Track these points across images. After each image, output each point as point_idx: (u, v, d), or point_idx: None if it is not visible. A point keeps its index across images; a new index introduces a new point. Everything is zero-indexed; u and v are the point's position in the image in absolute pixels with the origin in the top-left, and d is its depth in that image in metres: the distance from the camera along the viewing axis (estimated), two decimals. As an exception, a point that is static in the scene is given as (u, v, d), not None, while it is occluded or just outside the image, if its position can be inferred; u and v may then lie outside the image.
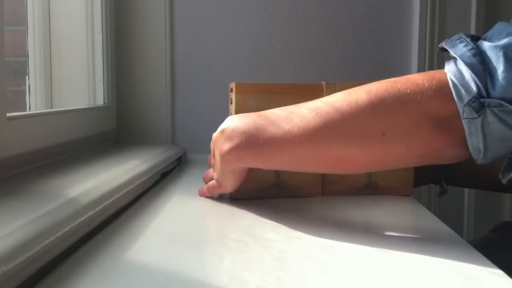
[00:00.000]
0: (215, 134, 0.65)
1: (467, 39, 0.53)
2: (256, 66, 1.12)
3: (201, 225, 0.60)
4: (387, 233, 0.57)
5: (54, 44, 1.00)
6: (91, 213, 0.53)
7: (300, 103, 0.60)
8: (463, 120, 0.49)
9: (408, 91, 0.51)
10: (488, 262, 0.48)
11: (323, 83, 0.76)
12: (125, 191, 0.65)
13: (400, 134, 0.52)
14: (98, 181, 0.63)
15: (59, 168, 0.72)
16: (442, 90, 0.50)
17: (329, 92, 0.74)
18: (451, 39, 0.55)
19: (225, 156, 0.62)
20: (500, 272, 0.45)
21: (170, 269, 0.45)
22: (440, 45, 0.57)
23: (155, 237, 0.55)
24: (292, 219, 0.62)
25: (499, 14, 1.15)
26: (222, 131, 0.63)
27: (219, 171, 0.66)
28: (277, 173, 0.72)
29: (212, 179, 0.70)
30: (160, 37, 1.10)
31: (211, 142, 0.67)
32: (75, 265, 0.45)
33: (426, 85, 0.51)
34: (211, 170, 0.72)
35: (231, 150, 0.61)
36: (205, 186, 0.72)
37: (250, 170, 0.71)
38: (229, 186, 0.67)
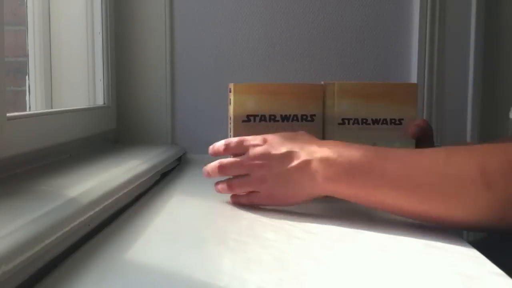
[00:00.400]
0: (280, 140, 0.63)
1: None
2: (256, 66, 1.12)
3: (201, 225, 0.60)
4: (387, 233, 0.56)
5: (54, 44, 1.00)
6: (91, 213, 0.53)
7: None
8: None
9: None
10: (488, 262, 0.48)
11: (323, 83, 0.77)
12: (125, 191, 0.65)
13: None
14: (98, 181, 0.63)
15: (59, 168, 0.72)
16: None
17: (331, 92, 0.75)
18: None
19: (316, 182, 0.60)
20: (500, 272, 0.45)
21: (170, 269, 0.45)
22: None
23: (155, 237, 0.55)
24: (292, 219, 0.62)
25: (499, 14, 1.15)
26: (324, 159, 0.60)
27: (282, 187, 0.62)
28: None
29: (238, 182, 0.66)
30: (160, 37, 1.10)
31: (263, 140, 0.64)
32: (75, 265, 0.45)
33: None
34: (247, 178, 0.65)
35: (327, 181, 0.59)
36: (243, 198, 0.67)
37: None
38: (288, 203, 0.65)
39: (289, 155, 0.62)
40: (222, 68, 1.12)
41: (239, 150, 0.66)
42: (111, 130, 1.07)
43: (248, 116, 0.72)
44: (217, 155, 0.69)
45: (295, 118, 0.73)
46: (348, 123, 0.75)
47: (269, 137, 0.65)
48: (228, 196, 0.70)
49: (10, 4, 0.97)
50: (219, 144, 0.68)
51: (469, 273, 0.45)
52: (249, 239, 0.54)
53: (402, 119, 0.75)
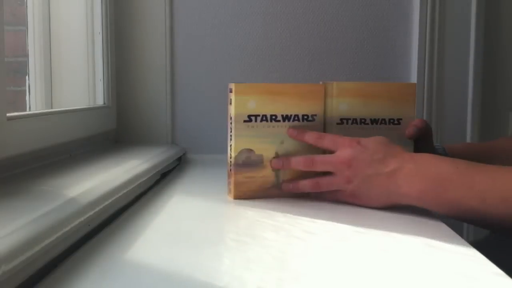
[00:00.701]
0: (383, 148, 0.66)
1: None
2: (256, 66, 1.12)
3: (201, 225, 0.60)
4: (387, 233, 0.56)
5: (54, 44, 1.00)
6: (91, 213, 0.53)
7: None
8: None
9: None
10: (488, 262, 0.48)
11: (321, 83, 0.77)
12: (125, 191, 0.65)
13: None
14: (98, 181, 0.63)
15: (59, 168, 0.72)
16: None
17: (329, 92, 0.75)
18: None
19: (403, 192, 0.63)
20: (500, 272, 0.45)
21: (170, 269, 0.45)
22: None
23: (155, 237, 0.55)
24: (292, 219, 0.62)
25: (499, 14, 1.15)
26: (404, 166, 0.63)
27: (367, 190, 0.66)
28: (277, 174, 0.72)
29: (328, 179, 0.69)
30: (160, 37, 1.10)
31: (366, 146, 0.67)
32: (75, 265, 0.45)
33: None
34: (337, 177, 0.69)
35: (415, 192, 0.62)
36: (338, 195, 0.70)
37: (249, 171, 0.72)
38: (370, 205, 0.67)
39: (380, 161, 0.65)
40: (222, 68, 1.12)
41: (331, 146, 0.69)
42: (111, 130, 1.07)
43: (249, 116, 0.72)
44: (303, 140, 0.72)
45: (296, 118, 0.73)
46: (347, 123, 0.75)
47: (363, 140, 0.68)
48: (226, 196, 0.70)
49: (10, 4, 0.97)
50: (312, 133, 0.71)
51: (469, 273, 0.45)
52: (249, 239, 0.54)
53: (401, 119, 0.76)
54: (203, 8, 1.11)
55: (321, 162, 0.70)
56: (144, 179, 0.75)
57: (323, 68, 1.12)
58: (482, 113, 1.13)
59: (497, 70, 1.15)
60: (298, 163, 0.71)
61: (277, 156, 0.73)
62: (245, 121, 0.72)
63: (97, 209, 0.54)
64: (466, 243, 0.54)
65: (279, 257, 0.48)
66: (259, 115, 0.72)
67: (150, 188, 0.79)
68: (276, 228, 0.58)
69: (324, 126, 0.75)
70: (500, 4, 1.15)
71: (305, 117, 0.73)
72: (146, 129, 1.10)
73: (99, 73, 1.04)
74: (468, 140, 1.12)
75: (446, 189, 0.60)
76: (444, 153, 0.81)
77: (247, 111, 0.72)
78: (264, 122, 0.72)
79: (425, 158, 0.64)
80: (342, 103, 0.75)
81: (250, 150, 0.72)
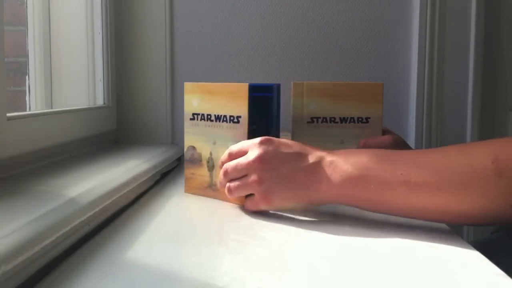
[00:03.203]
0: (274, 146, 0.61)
1: None
2: (256, 66, 1.12)
3: (201, 225, 0.60)
4: (387, 233, 0.56)
5: (54, 44, 1.00)
6: (91, 213, 0.53)
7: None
8: None
9: None
10: (489, 262, 0.48)
11: (293, 83, 0.78)
12: (125, 191, 0.65)
13: None
14: (98, 181, 0.63)
15: (59, 168, 0.72)
16: None
17: (300, 92, 0.76)
18: None
19: (324, 187, 0.58)
20: (500, 272, 0.45)
21: (170, 269, 0.45)
22: None
23: (155, 237, 0.55)
24: (292, 219, 0.62)
25: (499, 14, 1.15)
26: (323, 160, 0.59)
27: (282, 188, 0.60)
28: (211, 175, 0.73)
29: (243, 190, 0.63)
30: (160, 37, 1.10)
31: (258, 148, 0.61)
32: (75, 265, 0.45)
33: None
34: (247, 179, 0.62)
35: (336, 186, 0.57)
36: (249, 202, 0.64)
37: (193, 168, 0.73)
38: (283, 207, 0.62)
39: (296, 156, 0.60)
40: (222, 68, 1.12)
41: (241, 152, 0.64)
42: (111, 130, 1.07)
43: (193, 114, 0.74)
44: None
45: (224, 119, 0.72)
46: (317, 122, 0.77)
47: (275, 138, 0.63)
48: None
49: (10, 4, 0.97)
50: (224, 156, 0.66)
51: (469, 273, 0.45)
52: (249, 239, 0.54)
53: (369, 118, 0.77)
54: (203, 8, 1.11)
55: (231, 169, 0.63)
56: (144, 179, 0.75)
57: (323, 68, 1.12)
58: (482, 113, 1.13)
59: (497, 70, 1.15)
60: (221, 178, 0.66)
61: (210, 156, 0.72)
62: (190, 119, 0.75)
63: (97, 209, 0.54)
64: (466, 243, 0.54)
65: (279, 257, 0.48)
66: (199, 114, 0.74)
67: (150, 188, 0.79)
68: (276, 228, 0.58)
69: (294, 125, 0.77)
70: (500, 4, 1.15)
71: (232, 118, 0.70)
72: (146, 129, 1.10)
73: (99, 73, 1.04)
74: (468, 140, 1.13)
75: (367, 177, 0.56)
76: None
77: (192, 109, 0.74)
78: (202, 121, 0.73)
79: (343, 151, 0.60)
80: (312, 103, 0.77)
81: (194, 148, 0.74)
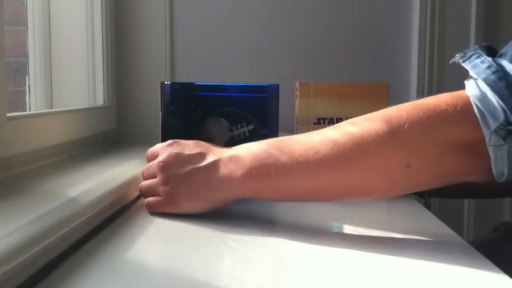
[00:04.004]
0: (187, 148, 0.61)
1: (486, 57, 0.50)
2: (256, 66, 1.12)
3: (201, 225, 0.60)
4: (387, 233, 0.56)
5: (54, 44, 1.00)
6: (91, 213, 0.53)
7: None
8: (489, 147, 0.47)
9: (431, 120, 0.49)
10: (488, 262, 0.48)
11: (297, 83, 0.78)
12: (125, 191, 0.65)
13: (426, 164, 0.51)
14: (98, 181, 0.63)
15: (59, 168, 0.72)
16: (467, 116, 0.48)
17: (306, 92, 0.76)
18: (467, 55, 0.52)
19: (226, 183, 0.57)
20: (500, 272, 0.45)
21: (170, 269, 0.45)
22: (455, 60, 0.54)
23: (155, 237, 0.55)
24: (292, 220, 0.62)
25: (499, 14, 1.15)
26: (222, 156, 0.58)
27: (185, 188, 0.59)
28: None
29: (154, 191, 0.62)
30: (160, 37, 1.10)
31: (163, 151, 0.62)
32: (75, 265, 0.45)
33: (450, 111, 0.49)
34: (154, 181, 0.62)
35: (238, 179, 0.56)
36: (151, 201, 0.63)
37: None
38: (189, 208, 0.60)
39: (197, 156, 0.59)
40: (222, 68, 1.12)
41: (155, 154, 0.64)
42: (111, 130, 1.07)
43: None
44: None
45: None
46: (324, 123, 0.76)
47: (180, 141, 0.63)
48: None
49: (10, 4, 0.97)
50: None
51: (469, 273, 0.45)
52: (249, 239, 0.54)
53: None
54: (203, 8, 1.11)
55: (146, 169, 0.65)
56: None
57: (323, 68, 1.12)
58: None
59: (497, 70, 1.15)
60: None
61: None
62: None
63: (97, 209, 0.54)
64: (466, 243, 0.54)
65: (279, 257, 0.48)
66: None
67: (150, 188, 0.79)
68: (276, 228, 0.58)
69: (300, 126, 0.77)
70: (500, 4, 1.15)
71: None
72: (146, 129, 1.10)
73: (99, 73, 1.04)
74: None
75: (268, 167, 0.55)
76: None
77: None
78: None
79: (242, 145, 0.59)
80: (319, 103, 0.76)
81: None
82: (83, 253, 0.49)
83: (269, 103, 0.73)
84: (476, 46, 0.53)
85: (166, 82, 0.69)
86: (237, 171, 0.57)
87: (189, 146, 0.61)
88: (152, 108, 1.09)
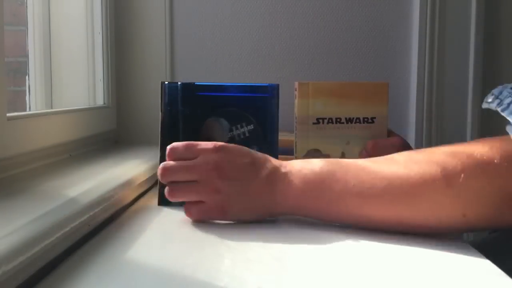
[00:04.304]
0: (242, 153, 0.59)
1: None
2: (256, 66, 1.12)
3: (201, 226, 0.60)
4: (387, 234, 0.56)
5: (54, 44, 1.00)
6: (91, 213, 0.53)
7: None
8: None
9: (487, 174, 0.50)
10: (488, 262, 0.48)
11: (297, 83, 0.77)
12: (125, 191, 0.65)
13: (482, 216, 0.51)
14: (98, 181, 0.63)
15: (59, 168, 0.72)
16: None
17: (305, 92, 0.76)
18: (504, 102, 0.54)
19: (278, 199, 0.57)
20: (500, 272, 0.45)
21: (170, 269, 0.45)
22: (490, 107, 0.55)
23: (155, 237, 0.55)
24: (292, 220, 0.62)
25: (499, 14, 1.15)
26: (277, 171, 0.57)
27: (238, 198, 0.57)
28: None
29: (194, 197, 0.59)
30: (160, 37, 1.10)
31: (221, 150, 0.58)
32: (75, 265, 0.45)
33: (504, 165, 0.50)
34: (197, 187, 0.58)
35: (291, 199, 0.57)
36: (193, 208, 0.59)
37: None
38: (238, 218, 0.59)
39: (250, 166, 0.58)
40: (222, 68, 1.12)
41: (188, 155, 0.59)
42: (111, 130, 1.07)
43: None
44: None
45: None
46: (323, 123, 0.76)
47: (226, 145, 0.59)
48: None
49: (10, 4, 0.97)
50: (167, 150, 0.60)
51: (469, 273, 0.45)
52: (249, 239, 0.54)
53: (375, 118, 0.77)
54: (203, 8, 1.11)
55: (177, 168, 0.58)
56: (144, 179, 0.75)
57: (323, 68, 1.12)
58: (482, 113, 1.13)
59: (497, 71, 1.15)
60: (159, 175, 0.60)
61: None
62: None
63: (97, 209, 0.54)
64: (466, 243, 0.54)
65: (279, 257, 0.48)
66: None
67: (150, 188, 0.79)
68: (276, 228, 0.58)
69: (300, 126, 0.77)
70: (500, 4, 1.15)
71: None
72: (146, 129, 1.10)
73: (99, 73, 1.04)
74: (468, 140, 1.13)
75: (322, 190, 0.55)
76: None
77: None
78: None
79: (296, 162, 0.59)
80: (318, 103, 0.76)
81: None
82: (83, 253, 0.49)
83: (269, 103, 0.72)
84: (510, 89, 0.54)
85: (166, 82, 0.69)
86: (291, 191, 0.57)
87: (241, 154, 0.59)
88: (152, 108, 1.09)
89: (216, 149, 0.58)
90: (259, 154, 0.60)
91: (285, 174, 0.58)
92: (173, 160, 0.59)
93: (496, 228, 0.54)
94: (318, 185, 0.56)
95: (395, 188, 0.53)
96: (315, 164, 0.57)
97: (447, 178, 0.51)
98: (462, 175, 0.50)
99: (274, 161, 0.60)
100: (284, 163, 0.59)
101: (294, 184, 0.57)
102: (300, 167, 0.58)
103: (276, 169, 0.58)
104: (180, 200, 0.59)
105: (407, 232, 0.55)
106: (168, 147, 0.60)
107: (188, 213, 0.59)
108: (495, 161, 0.50)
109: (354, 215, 0.56)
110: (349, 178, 0.55)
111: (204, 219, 0.59)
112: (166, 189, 0.59)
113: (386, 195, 0.53)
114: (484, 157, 0.51)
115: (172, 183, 0.59)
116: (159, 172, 0.59)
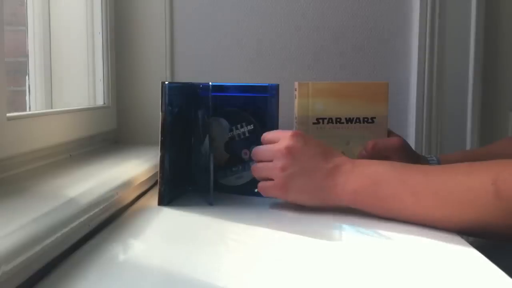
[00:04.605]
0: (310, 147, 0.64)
1: None
2: (256, 66, 1.12)
3: (201, 225, 0.60)
4: (386, 233, 0.57)
5: (54, 44, 1.00)
6: (91, 213, 0.53)
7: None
8: None
9: None
10: (488, 262, 0.48)
11: (297, 83, 0.77)
12: (125, 191, 0.65)
13: None
14: (98, 181, 0.63)
15: (59, 168, 0.72)
16: None
17: (305, 92, 0.76)
18: None
19: (339, 190, 0.62)
20: (500, 272, 0.45)
21: (170, 269, 0.45)
22: None
23: (155, 237, 0.55)
24: (292, 220, 0.62)
25: (499, 14, 1.15)
26: (343, 165, 0.63)
27: (302, 180, 0.63)
28: None
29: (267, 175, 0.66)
30: (160, 37, 1.10)
31: (297, 138, 0.64)
32: (75, 265, 0.45)
33: None
34: (271, 164, 0.65)
35: (350, 192, 0.61)
36: (264, 184, 0.66)
37: None
38: (297, 199, 0.65)
39: (321, 155, 0.63)
40: (222, 68, 1.12)
41: (273, 139, 0.67)
42: (111, 130, 1.07)
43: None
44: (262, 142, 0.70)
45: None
46: (323, 123, 0.76)
47: (303, 133, 0.66)
48: (226, 199, 0.70)
49: (10, 4, 0.97)
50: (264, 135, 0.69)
51: (469, 273, 0.45)
52: (249, 239, 0.54)
53: (375, 118, 0.77)
54: (203, 9, 1.11)
55: (262, 151, 0.67)
56: (144, 179, 0.75)
57: (323, 68, 1.12)
58: (482, 113, 1.13)
59: (497, 70, 1.15)
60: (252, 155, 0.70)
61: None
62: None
63: (97, 209, 0.54)
64: (466, 243, 0.54)
65: (279, 257, 0.49)
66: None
67: (150, 188, 0.79)
68: (275, 228, 0.58)
69: (300, 126, 0.77)
70: (500, 4, 1.15)
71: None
72: (146, 129, 1.10)
73: (99, 73, 1.04)
74: (468, 140, 1.13)
75: (379, 186, 0.60)
76: (439, 163, 0.80)
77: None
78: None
79: (362, 162, 0.64)
80: (318, 103, 0.77)
81: None
82: (83, 253, 0.49)
83: (269, 103, 0.73)
84: None
85: (166, 82, 0.69)
86: (351, 185, 0.61)
87: (315, 143, 0.65)
88: (152, 108, 1.09)
89: (294, 134, 0.65)
90: (332, 149, 0.65)
91: (349, 170, 0.62)
92: (264, 143, 0.68)
93: None
94: (377, 185, 0.60)
95: (447, 194, 0.56)
96: (378, 164, 0.62)
97: (497, 192, 0.53)
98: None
99: (343, 157, 0.64)
100: (352, 160, 0.64)
101: (355, 181, 0.61)
102: (363, 167, 0.62)
103: (342, 163, 0.63)
104: (258, 176, 0.67)
105: (454, 231, 0.58)
106: (264, 134, 0.69)
107: (259, 188, 0.67)
108: None
109: (407, 213, 0.59)
110: (407, 178, 0.59)
111: (269, 195, 0.66)
112: (252, 167, 0.68)
113: (438, 199, 0.56)
114: None
115: (259, 162, 0.67)
116: (253, 152, 0.69)
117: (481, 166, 0.57)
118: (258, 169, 0.67)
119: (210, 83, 0.75)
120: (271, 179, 0.65)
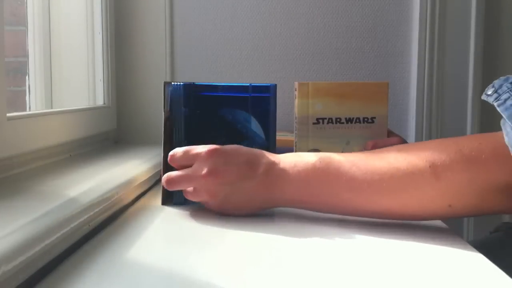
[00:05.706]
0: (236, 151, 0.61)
1: None
2: (256, 66, 1.12)
3: (201, 225, 0.60)
4: (386, 232, 0.56)
5: (54, 44, 1.00)
6: (91, 213, 0.53)
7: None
8: None
9: (473, 168, 0.52)
10: (488, 262, 0.48)
11: (297, 83, 0.77)
12: (125, 191, 0.65)
13: (466, 205, 0.54)
14: (98, 181, 0.63)
15: (59, 168, 0.72)
16: (507, 163, 0.51)
17: (305, 92, 0.76)
18: (501, 97, 0.54)
19: (273, 196, 0.60)
20: (500, 272, 0.45)
21: (170, 269, 0.45)
22: (487, 99, 0.56)
23: (155, 237, 0.55)
24: (292, 220, 0.62)
25: (499, 14, 1.15)
26: (272, 168, 0.59)
27: (235, 199, 0.60)
28: None
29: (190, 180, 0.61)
30: (160, 37, 1.10)
31: (214, 151, 0.60)
32: (75, 265, 0.45)
33: (491, 160, 0.52)
34: (199, 193, 0.61)
35: (285, 194, 0.59)
36: (190, 191, 0.62)
37: None
38: (237, 214, 0.62)
39: (247, 166, 0.59)
40: (222, 68, 1.12)
41: (186, 161, 0.61)
42: (111, 130, 1.07)
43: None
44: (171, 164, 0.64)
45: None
46: (323, 123, 0.76)
47: (219, 147, 0.61)
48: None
49: (10, 4, 0.97)
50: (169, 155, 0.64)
51: (469, 273, 0.45)
52: (249, 239, 0.54)
53: (375, 118, 0.77)
54: (203, 9, 1.11)
55: (179, 179, 0.61)
56: (144, 179, 0.75)
57: (323, 68, 1.12)
58: (482, 113, 1.13)
59: (497, 70, 1.15)
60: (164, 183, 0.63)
61: None
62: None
63: (97, 209, 0.54)
64: (466, 243, 0.54)
65: (278, 257, 0.48)
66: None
67: (150, 188, 0.79)
68: (275, 228, 0.58)
69: (300, 126, 0.77)
70: (500, 4, 1.15)
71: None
72: (146, 129, 1.10)
73: (99, 73, 1.04)
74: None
75: (315, 187, 0.58)
76: None
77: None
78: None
79: (290, 157, 0.61)
80: (318, 103, 0.77)
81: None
82: (83, 253, 0.49)
83: (269, 103, 0.73)
84: (509, 84, 0.55)
85: (168, 82, 0.70)
86: (286, 186, 0.59)
87: (235, 154, 0.60)
88: (152, 108, 1.09)
89: (209, 154, 0.60)
90: (254, 151, 0.62)
91: (281, 170, 0.60)
92: (175, 166, 0.63)
93: (478, 215, 0.58)
94: (311, 182, 0.58)
95: (385, 182, 0.55)
96: (309, 160, 0.59)
97: (436, 173, 0.53)
98: (450, 170, 0.53)
99: (269, 156, 0.61)
100: (278, 157, 0.61)
101: (290, 180, 0.59)
102: (294, 163, 0.60)
103: (272, 165, 0.60)
104: (192, 200, 0.63)
105: (395, 219, 0.58)
106: (169, 153, 0.63)
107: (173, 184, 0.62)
108: (483, 156, 0.52)
109: (346, 207, 0.59)
110: (341, 173, 0.57)
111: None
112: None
113: (376, 189, 0.56)
114: (472, 153, 0.53)
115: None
116: (163, 181, 0.63)
117: (415, 151, 0.56)
118: (188, 196, 0.62)
119: (210, 83, 0.75)
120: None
